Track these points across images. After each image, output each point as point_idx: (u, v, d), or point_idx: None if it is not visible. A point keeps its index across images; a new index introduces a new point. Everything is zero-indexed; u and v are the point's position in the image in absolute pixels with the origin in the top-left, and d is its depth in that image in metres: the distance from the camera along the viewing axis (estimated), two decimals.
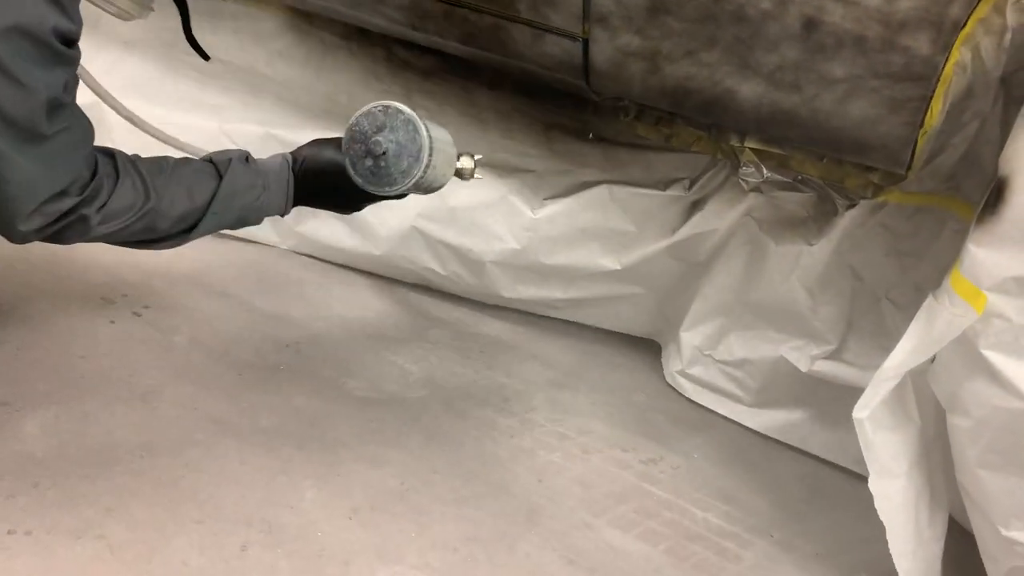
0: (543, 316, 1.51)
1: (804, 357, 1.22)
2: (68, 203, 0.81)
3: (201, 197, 0.92)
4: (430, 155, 0.94)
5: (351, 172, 0.95)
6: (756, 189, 1.25)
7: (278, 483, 0.98)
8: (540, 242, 1.38)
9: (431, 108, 1.48)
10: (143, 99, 1.31)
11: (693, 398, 1.38)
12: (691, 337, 1.36)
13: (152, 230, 0.90)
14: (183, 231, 0.93)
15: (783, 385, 1.27)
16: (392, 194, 0.96)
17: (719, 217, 1.29)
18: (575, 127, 1.41)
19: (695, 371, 1.37)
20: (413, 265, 1.45)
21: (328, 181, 0.99)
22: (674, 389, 1.40)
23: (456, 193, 1.41)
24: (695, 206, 1.33)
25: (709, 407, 1.37)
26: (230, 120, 1.52)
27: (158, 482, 0.94)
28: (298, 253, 1.55)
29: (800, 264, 1.20)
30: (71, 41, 0.76)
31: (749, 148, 1.22)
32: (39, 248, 1.32)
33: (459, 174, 1.06)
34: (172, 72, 1.57)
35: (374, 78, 1.52)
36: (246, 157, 0.97)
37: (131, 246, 0.93)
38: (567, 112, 1.40)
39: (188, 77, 1.57)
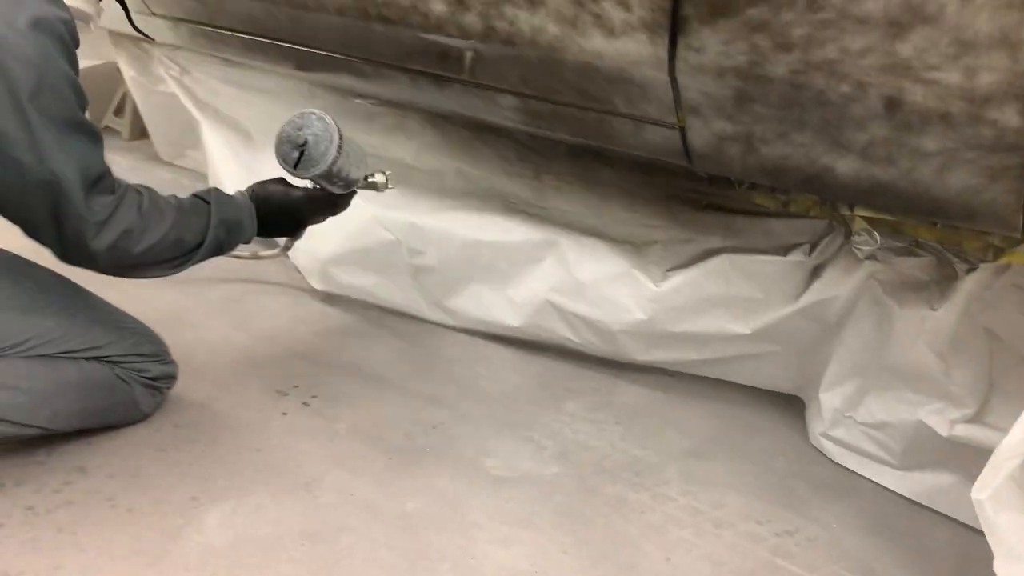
0: (681, 375, 1.53)
1: (943, 421, 1.17)
2: (110, 193, 1.10)
3: (203, 220, 1.22)
4: (340, 142, 1.24)
5: (283, 166, 1.25)
6: (872, 256, 1.22)
7: (419, 568, 1.08)
8: (666, 312, 1.41)
9: (559, 187, 1.56)
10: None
11: (838, 461, 1.35)
12: (831, 398, 1.34)
13: (178, 244, 1.19)
14: (194, 248, 1.22)
15: (927, 448, 1.22)
16: (318, 173, 1.24)
17: (842, 282, 1.27)
18: (694, 197, 1.43)
19: (838, 433, 1.34)
20: (549, 334, 1.54)
21: (276, 203, 1.33)
22: (818, 451, 1.38)
23: (582, 267, 1.49)
24: (817, 271, 1.31)
25: (854, 470, 1.33)
26: (383, 208, 1.68)
27: (316, 569, 1.07)
28: (445, 327, 1.67)
29: (925, 328, 1.16)
30: None
31: (860, 216, 1.20)
32: (231, 349, 1.53)
33: (373, 185, 1.38)
34: None
35: (506, 162, 1.63)
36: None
37: (157, 268, 1.20)
38: (685, 184, 1.43)
39: None
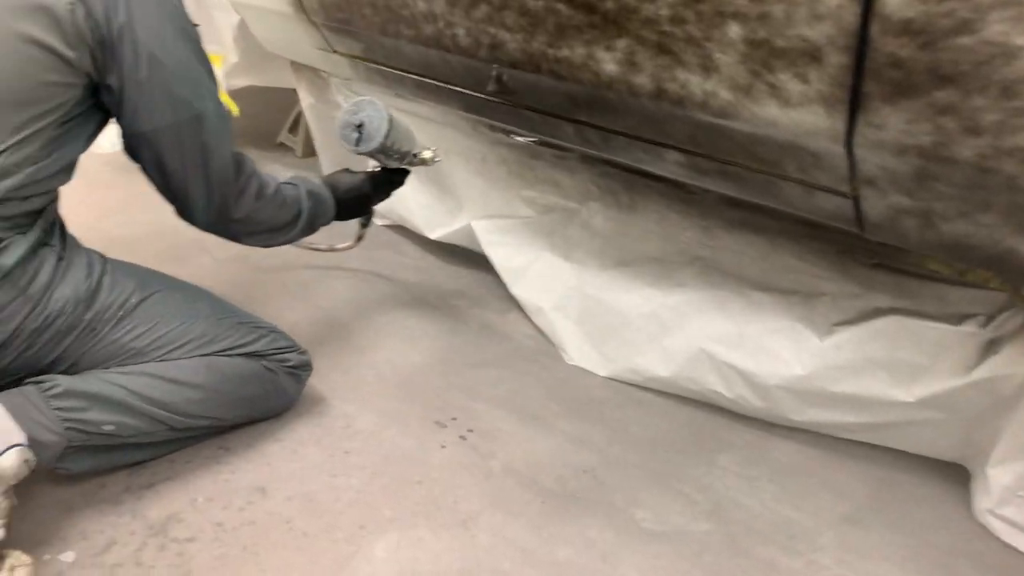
0: (838, 437, 1.50)
1: None
2: (247, 167, 1.36)
3: (297, 192, 1.47)
4: (390, 121, 1.54)
5: (346, 146, 1.56)
6: None
7: None
8: (827, 369, 1.38)
9: (728, 229, 1.56)
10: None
11: (1007, 540, 1.29)
12: (1001, 474, 1.28)
13: (285, 212, 1.43)
14: (295, 217, 1.46)
15: None
16: (375, 147, 1.53)
17: (1022, 361, 1.21)
18: (866, 254, 1.40)
19: (1007, 512, 1.28)
20: (699, 387, 1.54)
21: (345, 185, 1.61)
22: (984, 528, 1.32)
23: (745, 316, 1.48)
24: (993, 345, 1.25)
25: None
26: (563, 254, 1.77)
27: None
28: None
29: None
30: None
31: None
32: (395, 375, 1.62)
33: (423, 161, 1.67)
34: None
35: (673, 212, 1.64)
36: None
37: (262, 236, 1.44)
38: (857, 240, 1.40)
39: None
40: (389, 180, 1.68)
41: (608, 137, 1.44)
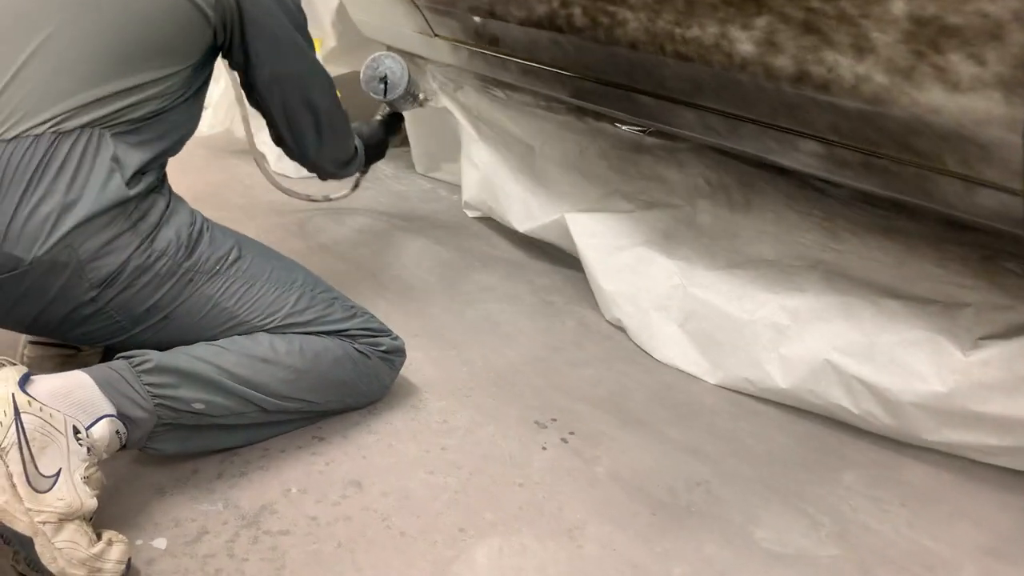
0: (974, 461, 1.37)
1: None
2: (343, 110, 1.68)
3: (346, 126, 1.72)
4: (408, 72, 1.95)
5: (375, 95, 2.00)
6: None
7: None
8: (971, 387, 1.26)
9: (855, 231, 1.45)
10: None
11: None
12: None
13: (349, 144, 1.77)
14: (353, 157, 1.80)
15: None
16: (400, 94, 1.98)
17: None
18: (1018, 261, 1.27)
19: None
20: (821, 400, 1.42)
21: (367, 131, 1.99)
22: None
23: (876, 326, 1.36)
24: None
25: None
26: (665, 251, 1.67)
27: None
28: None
29: None
30: None
31: None
32: (491, 371, 1.55)
33: (423, 102, 2.13)
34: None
35: (792, 201, 1.53)
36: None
37: (339, 167, 1.77)
38: (1010, 244, 1.27)
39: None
40: (393, 125, 2.10)
41: (735, 125, 1.34)
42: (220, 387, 1.19)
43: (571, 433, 1.42)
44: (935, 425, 1.32)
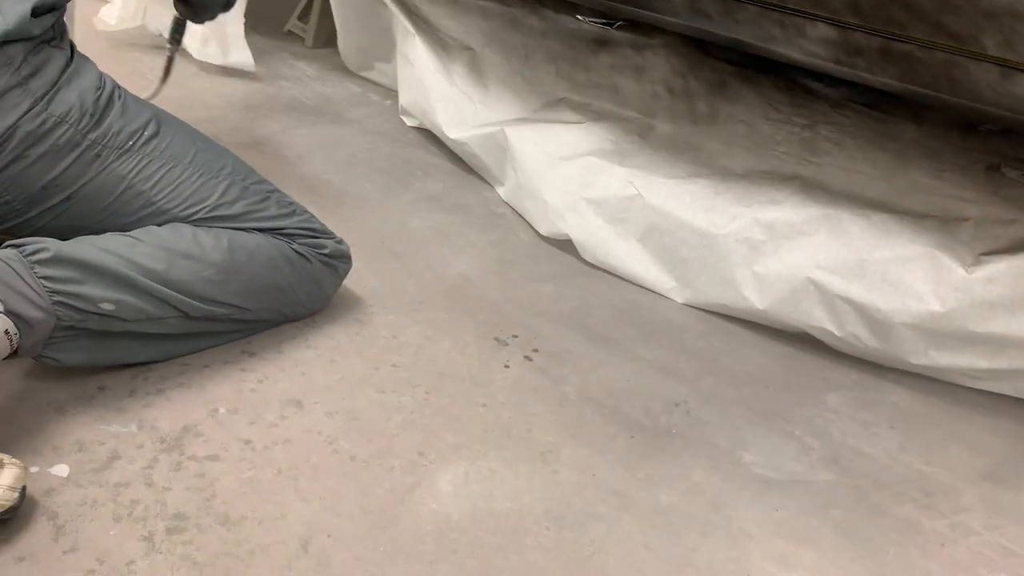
0: (959, 385, 1.30)
1: None
2: None
3: None
4: None
5: None
6: None
7: None
8: (971, 306, 1.18)
9: (840, 142, 1.33)
10: None
11: None
12: None
13: None
14: None
15: None
16: None
17: None
18: None
19: None
20: (800, 322, 1.32)
21: None
22: None
23: (866, 242, 1.26)
24: None
25: None
26: (620, 159, 1.51)
27: (567, 561, 0.91)
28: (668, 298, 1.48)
29: None
30: None
31: None
32: (441, 285, 1.39)
33: None
34: None
35: (772, 107, 1.40)
36: None
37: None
38: (1019, 152, 1.18)
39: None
40: None
41: (734, 6, 1.20)
42: (134, 285, 0.99)
43: (535, 350, 1.28)
44: (925, 347, 1.24)
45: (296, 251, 1.16)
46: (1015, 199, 1.18)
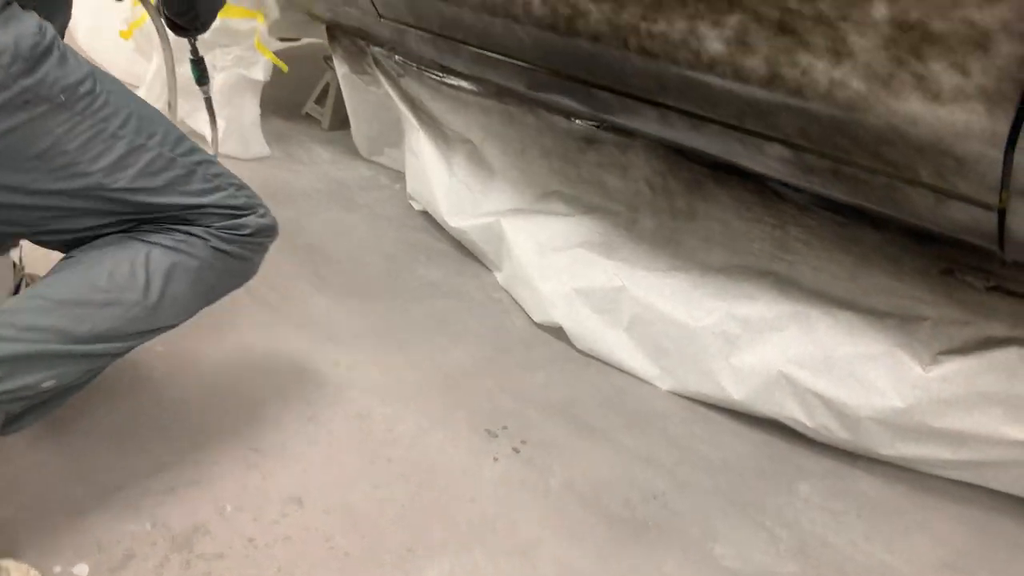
0: (927, 474, 1.36)
1: None
2: None
3: None
4: None
5: None
6: None
7: None
8: (931, 403, 1.25)
9: (809, 242, 1.42)
10: None
11: None
12: None
13: None
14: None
15: None
16: None
17: None
18: (977, 275, 1.26)
19: None
20: (775, 412, 1.39)
21: None
22: None
23: (833, 339, 1.34)
24: None
25: None
26: (607, 252, 1.61)
27: None
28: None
29: None
30: None
31: None
32: (438, 373, 1.48)
33: None
34: None
35: (744, 207, 1.49)
36: None
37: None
38: (969, 259, 1.26)
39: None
40: None
41: (699, 124, 1.30)
42: (65, 355, 1.00)
43: (523, 442, 1.36)
44: (891, 439, 1.31)
45: (215, 248, 1.13)
46: (968, 302, 1.25)
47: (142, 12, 2.19)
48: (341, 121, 2.79)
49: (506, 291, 1.84)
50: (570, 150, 1.81)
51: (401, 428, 1.36)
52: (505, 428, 1.39)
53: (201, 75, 1.59)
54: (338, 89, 2.74)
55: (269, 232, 1.21)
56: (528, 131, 1.89)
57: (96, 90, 1.04)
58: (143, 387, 1.36)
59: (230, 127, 2.36)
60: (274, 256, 1.82)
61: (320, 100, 2.88)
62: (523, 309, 1.76)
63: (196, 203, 1.11)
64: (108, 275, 1.03)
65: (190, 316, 1.15)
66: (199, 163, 1.13)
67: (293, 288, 1.74)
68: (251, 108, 2.38)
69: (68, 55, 1.03)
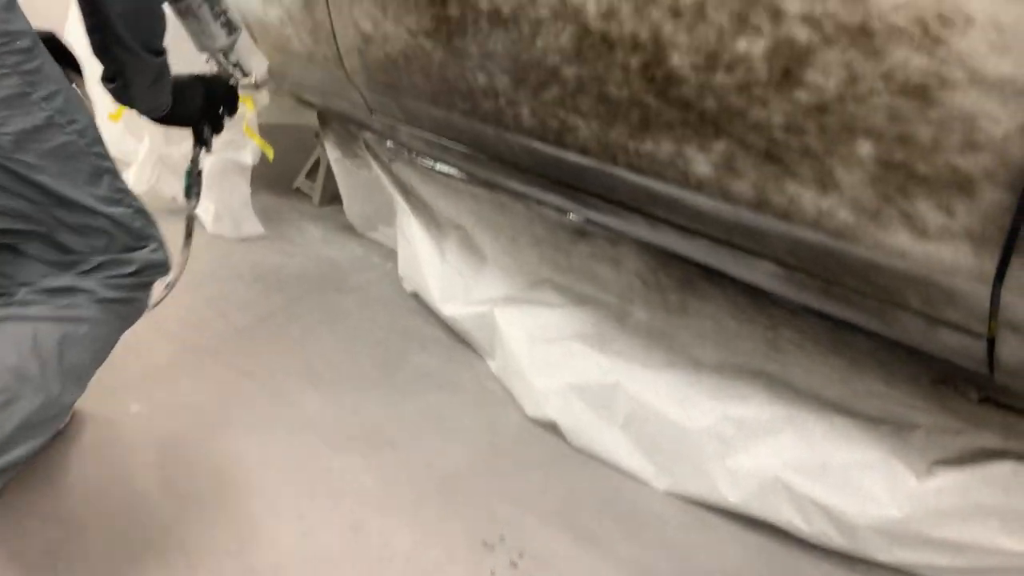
0: None
1: None
2: None
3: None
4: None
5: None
6: None
7: None
8: (927, 513, 1.24)
9: (801, 344, 1.42)
10: None
11: None
12: None
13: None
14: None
15: None
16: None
17: None
18: (969, 386, 1.27)
19: None
20: (772, 517, 1.39)
21: (179, 81, 1.33)
22: None
23: (829, 446, 1.34)
24: None
25: None
26: (600, 347, 1.62)
27: None
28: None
29: None
30: None
31: None
32: (434, 477, 1.47)
33: (246, 75, 1.61)
34: None
35: (737, 307, 1.50)
36: None
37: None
38: (961, 372, 1.27)
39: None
40: (219, 91, 1.49)
41: (689, 235, 1.31)
42: None
43: (520, 555, 1.35)
44: (888, 546, 1.30)
45: (101, 300, 1.09)
46: (960, 411, 1.26)
47: None
48: (332, 196, 2.81)
49: (499, 381, 1.83)
50: (561, 240, 1.82)
51: (397, 542, 1.34)
52: (502, 539, 1.38)
53: (190, 188, 1.54)
54: (328, 165, 2.76)
55: (159, 269, 1.16)
56: (519, 219, 1.91)
57: (34, 51, 1.00)
58: (129, 501, 1.35)
59: (221, 208, 2.37)
60: (266, 348, 1.83)
61: (311, 175, 2.90)
62: (517, 401, 1.76)
63: (95, 208, 1.06)
64: (14, 371, 0.98)
65: (91, 378, 1.12)
66: (108, 170, 1.09)
67: (285, 384, 1.73)
68: (241, 190, 2.39)
69: (18, 7, 1.00)
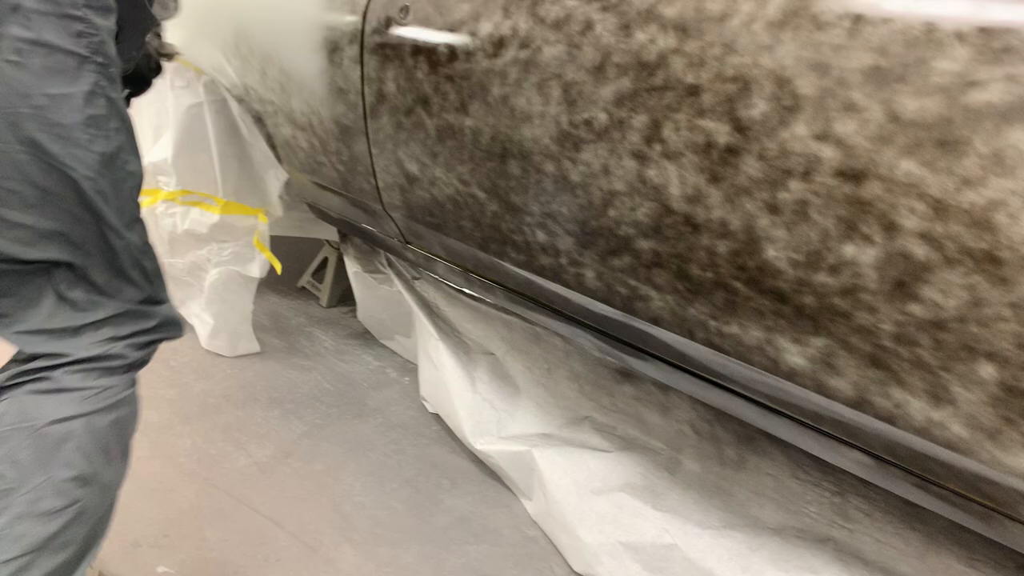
0: None
1: None
2: None
3: None
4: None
5: None
6: None
7: None
8: None
9: (871, 513, 1.38)
10: None
11: None
12: None
13: None
14: None
15: None
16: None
17: None
18: None
19: None
20: None
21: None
22: None
23: None
24: None
25: None
26: (656, 504, 1.55)
27: None
28: None
29: None
30: None
31: None
32: None
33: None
34: None
35: (801, 470, 1.45)
36: None
37: None
38: None
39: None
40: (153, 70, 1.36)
41: (769, 414, 1.26)
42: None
43: None
44: None
45: (131, 364, 1.03)
46: None
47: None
48: (340, 296, 2.74)
49: (539, 527, 1.76)
50: (602, 378, 1.77)
51: None
52: None
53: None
54: (336, 264, 2.69)
55: (173, 329, 1.09)
56: (555, 352, 1.85)
57: (117, 83, 0.98)
58: None
59: (220, 324, 2.28)
60: (292, 490, 1.74)
61: (317, 275, 2.82)
62: (561, 553, 1.68)
63: (134, 255, 1.01)
64: (11, 527, 0.88)
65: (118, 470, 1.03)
66: (141, 221, 1.04)
67: (319, 537, 1.64)
68: (244, 304, 2.31)
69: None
